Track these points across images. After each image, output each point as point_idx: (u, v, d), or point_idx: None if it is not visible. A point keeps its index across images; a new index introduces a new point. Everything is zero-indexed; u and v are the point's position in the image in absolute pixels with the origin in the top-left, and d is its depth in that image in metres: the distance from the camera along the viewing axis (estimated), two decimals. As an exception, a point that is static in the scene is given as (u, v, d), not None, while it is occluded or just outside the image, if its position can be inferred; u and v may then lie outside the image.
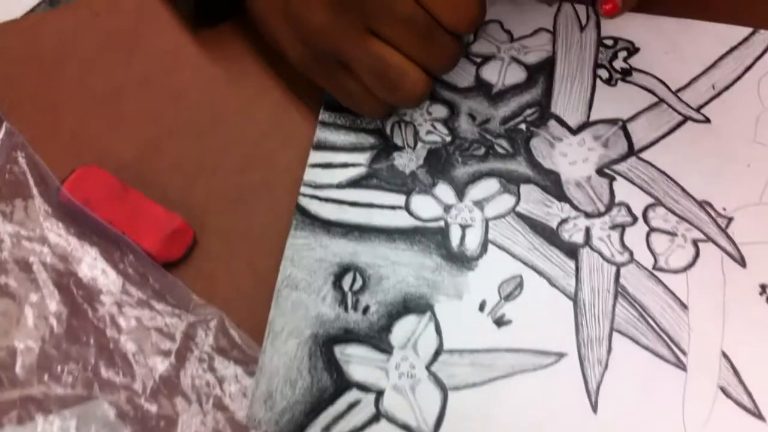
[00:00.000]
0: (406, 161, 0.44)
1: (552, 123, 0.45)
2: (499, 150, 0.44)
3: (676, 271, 0.40)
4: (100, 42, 0.47)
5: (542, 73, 0.46)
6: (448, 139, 0.44)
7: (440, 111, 0.45)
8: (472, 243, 0.41)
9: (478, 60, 0.47)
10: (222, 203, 0.42)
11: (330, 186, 0.43)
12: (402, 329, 0.39)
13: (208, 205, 0.42)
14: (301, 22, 0.38)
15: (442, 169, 0.43)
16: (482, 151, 0.44)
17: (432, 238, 0.41)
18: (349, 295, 0.40)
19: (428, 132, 0.45)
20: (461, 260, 0.41)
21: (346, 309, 0.40)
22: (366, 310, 0.40)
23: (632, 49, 0.47)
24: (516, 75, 0.46)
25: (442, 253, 0.41)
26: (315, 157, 0.43)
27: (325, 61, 0.39)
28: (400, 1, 0.36)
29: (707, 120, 0.45)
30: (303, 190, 0.42)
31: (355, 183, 0.43)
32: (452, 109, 0.45)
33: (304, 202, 0.42)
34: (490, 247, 0.41)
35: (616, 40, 0.48)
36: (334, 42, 0.38)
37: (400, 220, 0.42)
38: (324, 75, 0.40)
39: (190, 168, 0.43)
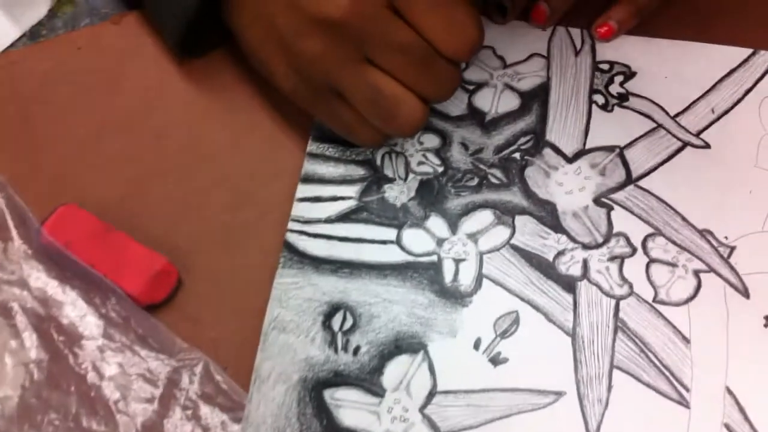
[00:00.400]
0: (397, 193, 0.43)
1: (547, 151, 0.44)
2: (493, 180, 0.43)
3: (677, 304, 0.40)
4: (82, 78, 0.46)
5: (536, 99, 0.46)
6: (440, 169, 0.43)
7: (432, 140, 0.45)
8: (466, 278, 0.40)
9: (471, 87, 0.46)
10: (208, 243, 0.41)
11: (319, 221, 0.42)
12: (394, 370, 0.38)
13: (194, 245, 0.41)
14: (296, 52, 0.37)
15: (434, 201, 0.42)
16: (475, 181, 0.43)
17: (424, 273, 0.40)
18: (339, 335, 0.39)
19: (420, 162, 0.44)
20: (455, 296, 0.40)
21: (335, 350, 0.39)
22: (356, 350, 0.39)
23: (629, 74, 0.47)
24: (509, 102, 0.46)
25: (435, 289, 0.40)
26: (303, 190, 0.42)
27: (319, 91, 0.38)
28: (397, 28, 0.35)
29: (707, 145, 0.44)
30: (291, 225, 0.41)
31: (344, 217, 0.42)
32: (444, 139, 0.44)
33: (292, 238, 0.41)
34: (485, 281, 0.40)
35: (612, 64, 0.47)
36: (329, 71, 0.37)
37: (391, 255, 0.41)
38: (318, 104, 0.40)
39: (176, 207, 0.42)
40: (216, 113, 0.45)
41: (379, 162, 0.44)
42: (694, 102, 0.45)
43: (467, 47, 0.36)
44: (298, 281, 0.40)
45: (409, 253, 0.41)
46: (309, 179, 0.43)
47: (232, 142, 0.44)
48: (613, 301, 0.40)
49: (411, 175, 0.43)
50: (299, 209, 0.42)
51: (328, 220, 0.42)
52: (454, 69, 0.37)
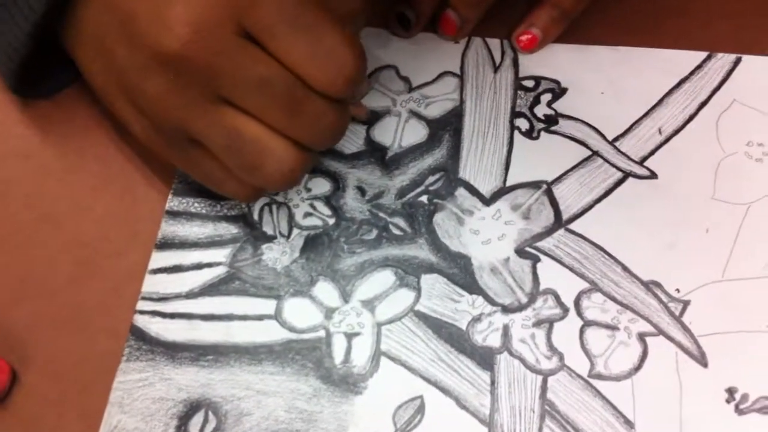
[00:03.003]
0: (278, 254, 0.38)
1: (460, 192, 0.40)
2: (395, 231, 0.39)
3: (618, 378, 0.36)
4: None
5: (448, 129, 0.42)
6: (332, 221, 0.39)
7: (321, 186, 0.40)
8: (361, 357, 0.36)
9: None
10: (49, 327, 0.37)
11: (178, 296, 0.37)
12: (265, 486, 0.33)
13: (32, 330, 0.37)
14: (139, 92, 0.34)
15: (323, 261, 0.38)
16: (374, 234, 0.39)
17: (309, 354, 0.36)
18: (198, 443, 0.34)
19: (306, 214, 0.39)
20: (346, 382, 0.35)
21: (192, 464, 0.34)
22: (219, 462, 0.34)
23: (558, 91, 0.43)
24: (415, 133, 0.42)
25: (321, 374, 0.35)
26: (159, 259, 0.38)
27: (173, 137, 0.35)
28: (254, 61, 0.32)
29: (653, 175, 0.40)
30: (141, 305, 0.37)
31: (211, 289, 0.37)
32: (336, 183, 0.40)
33: (142, 322, 0.36)
34: (383, 361, 0.36)
35: (537, 80, 0.43)
36: (178, 114, 0.34)
37: (268, 333, 0.36)
38: (175, 152, 0.36)
39: (11, 284, 0.38)
40: (63, 165, 0.41)
41: (256, 217, 0.39)
42: (636, 122, 0.42)
43: (341, 79, 0.32)
44: (146, 377, 0.35)
45: (290, 329, 0.37)
46: (167, 244, 0.38)
47: (81, 199, 0.40)
48: (540, 378, 0.36)
49: (295, 231, 0.39)
50: (152, 283, 0.37)
51: (190, 295, 0.37)
52: (335, 107, 0.33)
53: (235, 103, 0.33)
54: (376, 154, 0.41)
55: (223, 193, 0.37)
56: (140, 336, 0.36)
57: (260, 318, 0.37)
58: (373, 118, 0.42)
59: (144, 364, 0.36)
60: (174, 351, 0.36)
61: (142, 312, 0.37)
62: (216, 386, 0.35)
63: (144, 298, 0.37)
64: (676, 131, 0.41)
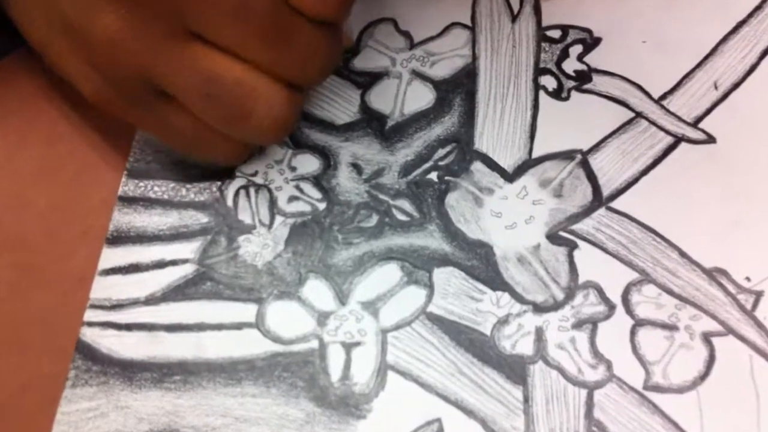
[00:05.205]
0: (258, 248, 0.35)
1: (477, 167, 0.37)
2: (400, 216, 0.36)
3: (680, 389, 0.32)
4: None
5: (459, 91, 0.39)
6: (322, 206, 0.36)
7: (309, 164, 0.37)
8: (363, 372, 0.33)
9: (363, 80, 0.39)
10: None
11: (136, 303, 0.34)
12: None
13: None
14: (89, 39, 0.32)
15: (313, 255, 0.35)
16: (374, 220, 0.36)
17: (300, 370, 0.33)
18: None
19: (292, 198, 0.36)
20: (346, 404, 0.32)
21: None
22: None
23: (590, 41, 0.39)
24: (420, 98, 0.39)
25: (315, 395, 0.32)
26: (111, 256, 0.35)
27: (134, 92, 0.33)
28: None
29: (710, 138, 0.37)
30: (89, 316, 0.33)
31: (176, 292, 0.34)
32: (327, 160, 0.37)
33: (91, 335, 0.33)
34: (391, 375, 0.33)
35: (565, 29, 0.40)
36: (135, 61, 0.31)
37: (249, 345, 0.33)
38: (138, 113, 0.34)
39: None
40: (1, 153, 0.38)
41: (230, 202, 0.36)
42: (687, 75, 0.38)
43: None
44: (97, 405, 0.32)
45: (276, 339, 0.33)
46: (120, 238, 0.35)
47: (20, 191, 0.38)
48: (584, 393, 0.32)
49: (279, 219, 0.36)
50: (104, 287, 0.34)
51: (151, 300, 0.34)
52: (324, 33, 0.31)
53: (208, 38, 0.31)
54: (373, 123, 0.38)
55: (204, 157, 0.35)
56: (89, 354, 0.33)
57: (238, 327, 0.34)
58: (369, 80, 0.39)
59: (94, 389, 0.33)
60: (131, 371, 0.33)
61: (90, 324, 0.34)
62: (185, 414, 0.32)
63: (93, 306, 0.34)
64: (735, 85, 0.38)
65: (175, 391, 0.32)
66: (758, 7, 0.39)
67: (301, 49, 0.32)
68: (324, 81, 0.34)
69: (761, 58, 0.38)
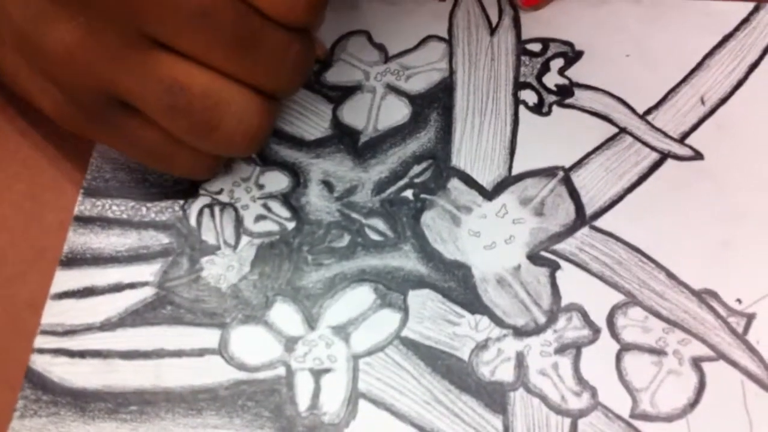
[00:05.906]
0: (223, 270, 0.34)
1: (454, 184, 0.36)
2: (373, 236, 0.35)
3: (669, 418, 0.32)
4: None
5: (435, 106, 0.38)
6: (291, 226, 0.35)
7: (277, 181, 0.36)
8: (333, 401, 0.32)
9: (335, 94, 0.38)
10: None
11: (90, 328, 0.33)
12: None
13: None
14: (41, 48, 0.31)
15: (281, 277, 0.34)
16: (345, 240, 0.35)
17: (265, 400, 0.32)
18: None
19: (259, 218, 0.35)
20: None
21: None
22: None
23: (572, 55, 0.39)
24: (395, 113, 0.38)
25: (282, 426, 0.31)
26: (65, 279, 0.34)
27: (97, 105, 0.32)
28: None
29: (698, 155, 0.37)
30: (40, 342, 0.32)
31: (134, 317, 0.33)
32: (296, 177, 0.36)
33: (41, 363, 0.32)
34: (363, 404, 0.32)
35: (545, 42, 0.39)
36: (98, 69, 0.30)
37: (211, 373, 0.32)
38: (101, 128, 0.33)
39: None
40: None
41: (193, 222, 0.35)
42: (672, 90, 0.38)
43: (303, 1, 0.29)
44: None
45: (240, 367, 0.32)
46: (75, 260, 0.34)
47: None
48: (568, 422, 0.32)
49: (245, 239, 0.35)
50: (56, 312, 0.33)
51: (107, 326, 0.33)
52: (297, 37, 0.31)
53: (171, 45, 0.30)
54: (345, 139, 0.37)
55: (174, 171, 0.34)
56: (39, 383, 0.32)
57: (200, 353, 0.33)
58: (342, 95, 0.38)
59: (44, 420, 0.31)
60: (85, 401, 0.32)
61: (41, 350, 0.33)
62: (141, 448, 0.31)
63: (44, 332, 0.33)
64: (723, 100, 0.38)
65: (131, 423, 0.31)
66: (745, 20, 0.39)
67: (271, 54, 0.31)
68: (298, 89, 0.33)
69: (749, 72, 0.38)
